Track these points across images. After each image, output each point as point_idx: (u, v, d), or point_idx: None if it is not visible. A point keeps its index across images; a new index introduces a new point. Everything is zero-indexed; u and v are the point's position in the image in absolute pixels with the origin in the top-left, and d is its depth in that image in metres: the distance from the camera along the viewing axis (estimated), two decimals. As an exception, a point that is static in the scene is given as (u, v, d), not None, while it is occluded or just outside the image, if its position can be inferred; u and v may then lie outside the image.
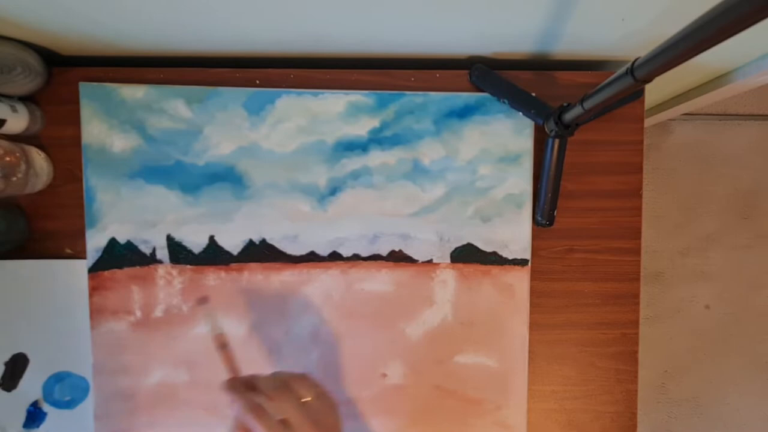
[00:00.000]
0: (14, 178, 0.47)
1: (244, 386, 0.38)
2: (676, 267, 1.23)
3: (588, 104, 0.41)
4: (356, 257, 0.53)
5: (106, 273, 0.52)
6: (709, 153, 1.21)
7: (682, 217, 1.22)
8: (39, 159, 0.50)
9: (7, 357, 0.53)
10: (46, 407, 0.54)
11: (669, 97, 0.73)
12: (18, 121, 0.48)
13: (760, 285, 1.23)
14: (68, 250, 0.53)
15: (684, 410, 1.27)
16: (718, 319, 1.24)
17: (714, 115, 1.19)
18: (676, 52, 0.30)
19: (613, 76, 0.36)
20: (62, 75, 0.51)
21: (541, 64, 0.55)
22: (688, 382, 1.26)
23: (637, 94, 0.52)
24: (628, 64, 0.35)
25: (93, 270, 0.52)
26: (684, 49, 0.29)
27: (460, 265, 0.53)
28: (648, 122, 0.89)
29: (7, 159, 0.46)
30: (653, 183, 1.22)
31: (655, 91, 0.72)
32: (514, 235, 0.53)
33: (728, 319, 1.24)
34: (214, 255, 0.53)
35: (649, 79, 0.34)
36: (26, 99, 0.50)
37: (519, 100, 0.50)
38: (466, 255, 0.53)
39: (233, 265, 0.53)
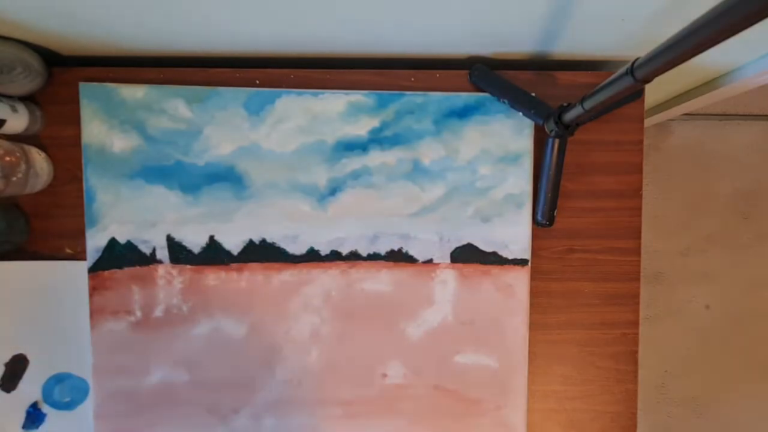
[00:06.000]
0: (14, 178, 0.47)
1: None
2: (676, 267, 1.23)
3: (588, 104, 0.41)
4: (356, 257, 0.53)
5: (106, 273, 0.52)
6: (710, 153, 1.21)
7: (682, 217, 1.23)
8: (39, 159, 0.50)
9: (6, 358, 0.53)
10: (45, 408, 0.54)
11: (669, 97, 0.73)
12: (18, 120, 0.48)
13: (760, 285, 1.24)
14: (68, 250, 0.53)
15: (684, 410, 1.27)
16: (719, 319, 1.24)
17: (714, 115, 1.20)
18: (676, 53, 0.30)
19: (613, 76, 0.36)
20: (62, 75, 0.51)
21: (541, 64, 0.56)
22: (688, 382, 1.26)
23: (637, 94, 0.52)
24: (628, 64, 0.35)
25: (93, 270, 0.52)
26: (684, 49, 0.29)
27: (460, 265, 0.53)
28: (648, 122, 0.89)
29: (8, 159, 0.46)
30: (653, 183, 1.22)
31: (655, 91, 0.72)
32: (514, 235, 0.53)
33: (728, 319, 1.24)
34: (214, 255, 0.53)
35: (649, 79, 0.34)
36: (26, 99, 0.50)
37: (519, 100, 0.50)
38: (466, 255, 0.53)
39: (233, 264, 0.53)
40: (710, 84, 0.59)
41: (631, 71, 0.35)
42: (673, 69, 0.31)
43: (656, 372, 1.26)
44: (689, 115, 1.19)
